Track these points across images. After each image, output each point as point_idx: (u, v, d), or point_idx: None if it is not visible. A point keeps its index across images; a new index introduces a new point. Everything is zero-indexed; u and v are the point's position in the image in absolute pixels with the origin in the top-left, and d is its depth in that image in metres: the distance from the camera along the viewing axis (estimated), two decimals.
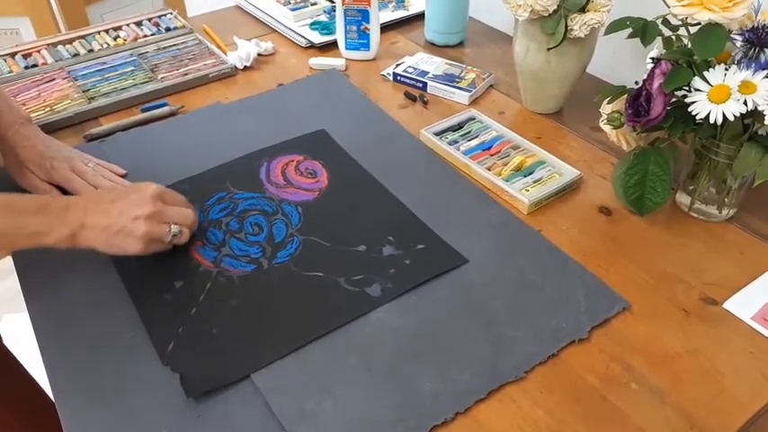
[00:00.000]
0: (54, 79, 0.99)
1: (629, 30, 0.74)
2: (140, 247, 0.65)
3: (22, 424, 0.89)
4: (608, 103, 0.77)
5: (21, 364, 0.95)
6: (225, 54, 1.07)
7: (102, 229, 0.64)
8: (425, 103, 0.98)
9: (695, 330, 0.63)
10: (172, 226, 0.67)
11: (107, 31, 1.12)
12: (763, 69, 0.63)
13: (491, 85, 1.02)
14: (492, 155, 0.85)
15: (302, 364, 0.59)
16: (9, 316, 1.72)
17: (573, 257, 0.71)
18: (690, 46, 0.68)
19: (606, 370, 0.59)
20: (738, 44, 0.67)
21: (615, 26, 0.75)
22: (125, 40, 1.09)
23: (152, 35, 1.11)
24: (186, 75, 1.01)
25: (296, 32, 1.14)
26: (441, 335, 0.62)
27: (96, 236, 0.64)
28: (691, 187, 0.76)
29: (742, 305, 0.65)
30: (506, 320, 0.63)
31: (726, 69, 0.65)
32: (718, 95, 0.64)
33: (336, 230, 0.73)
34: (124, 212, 0.64)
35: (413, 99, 0.99)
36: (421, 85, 1.00)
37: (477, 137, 0.88)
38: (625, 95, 0.73)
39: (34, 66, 1.02)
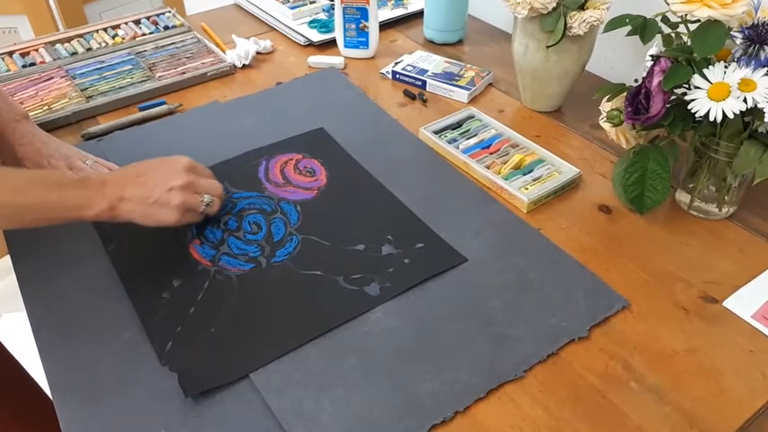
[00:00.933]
0: (52, 78, 0.99)
1: (629, 27, 0.74)
2: (176, 216, 0.67)
3: (19, 423, 0.89)
4: (607, 100, 0.77)
5: (17, 362, 0.95)
6: (223, 52, 1.06)
7: (140, 201, 0.65)
8: (424, 101, 0.98)
9: (695, 329, 0.63)
10: (204, 196, 0.69)
11: (105, 30, 1.11)
12: (763, 67, 0.63)
13: (490, 84, 1.02)
14: (491, 153, 0.85)
15: (301, 364, 0.59)
16: (8, 315, 1.72)
17: (572, 256, 0.70)
18: (689, 43, 0.67)
19: (606, 369, 0.59)
20: (738, 41, 0.67)
21: (614, 23, 0.75)
22: (123, 38, 1.09)
23: (150, 34, 1.11)
24: (184, 73, 1.01)
25: (295, 31, 1.14)
26: (439, 334, 0.62)
27: (133, 207, 0.65)
28: (690, 185, 0.76)
29: (742, 303, 0.65)
30: (505, 319, 0.63)
31: (725, 67, 0.65)
32: (718, 93, 0.64)
33: (335, 229, 0.73)
34: (159, 184, 0.66)
35: (412, 97, 0.98)
36: (420, 83, 1.00)
37: (476, 135, 0.88)
38: (624, 93, 0.73)
39: (32, 64, 1.02)
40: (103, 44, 1.07)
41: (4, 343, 0.94)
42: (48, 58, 1.03)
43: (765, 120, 0.62)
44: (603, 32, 0.78)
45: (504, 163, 0.82)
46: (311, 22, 1.17)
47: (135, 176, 0.67)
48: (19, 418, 0.88)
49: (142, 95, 0.96)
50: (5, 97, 0.79)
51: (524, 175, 0.81)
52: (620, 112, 0.74)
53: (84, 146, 0.85)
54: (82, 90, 0.96)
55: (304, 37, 1.12)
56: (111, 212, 0.65)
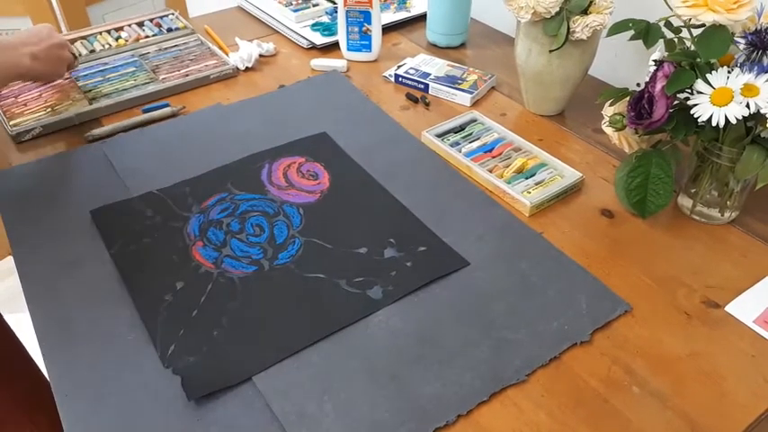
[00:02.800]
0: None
1: (632, 32, 0.74)
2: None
3: (23, 410, 0.88)
4: (610, 105, 0.77)
5: (24, 349, 0.95)
6: (226, 55, 1.07)
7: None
8: (427, 104, 0.98)
9: (697, 333, 0.63)
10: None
11: (109, 32, 1.12)
12: (766, 72, 0.63)
13: (493, 87, 1.02)
14: (494, 157, 0.85)
15: (303, 367, 0.59)
16: (10, 316, 1.72)
17: (574, 260, 0.70)
18: (692, 48, 0.68)
19: (608, 373, 0.59)
20: (741, 47, 0.67)
21: (617, 28, 0.75)
22: (126, 40, 1.09)
23: (153, 36, 1.11)
24: (187, 76, 1.01)
25: (297, 33, 1.14)
26: (442, 337, 0.62)
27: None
28: (693, 190, 0.76)
29: (744, 308, 0.65)
30: (508, 323, 0.63)
31: (728, 72, 0.65)
32: (721, 98, 0.64)
33: (338, 232, 0.73)
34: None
35: (414, 101, 0.99)
36: (423, 86, 1.00)
37: (478, 139, 0.88)
38: (627, 98, 0.73)
39: None
40: (107, 46, 1.07)
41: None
42: None
43: None
44: (606, 37, 0.78)
45: (507, 167, 0.83)
46: (314, 25, 1.17)
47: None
48: (23, 404, 0.88)
49: (145, 97, 0.96)
50: None
51: (527, 178, 0.81)
52: (623, 116, 0.74)
53: (88, 148, 0.86)
54: (85, 92, 0.96)
55: (307, 40, 1.12)
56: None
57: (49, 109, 0.92)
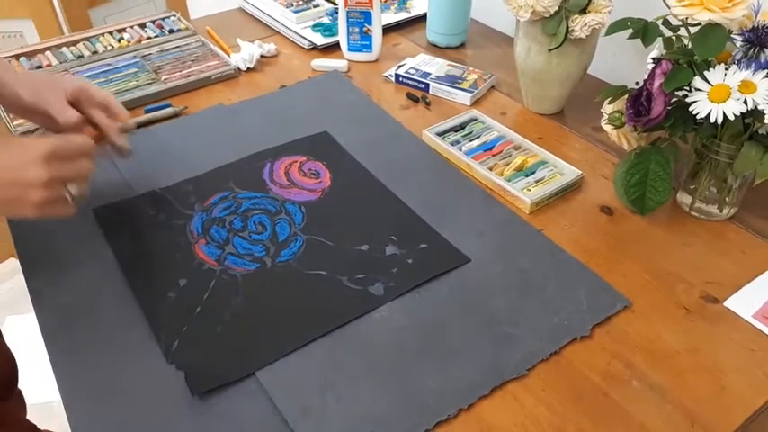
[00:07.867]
0: None
1: (630, 30, 0.74)
2: (37, 214, 0.60)
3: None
4: (609, 103, 0.77)
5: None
6: (228, 56, 1.07)
7: None
8: (428, 104, 0.98)
9: (696, 328, 0.64)
10: (71, 188, 0.61)
11: (111, 33, 1.12)
12: (763, 69, 0.64)
13: (492, 86, 1.03)
14: (494, 155, 0.85)
15: (306, 362, 0.60)
16: (12, 317, 1.72)
17: (574, 256, 0.71)
18: (690, 46, 0.68)
19: (608, 367, 0.60)
20: (738, 44, 0.68)
21: (616, 27, 0.75)
22: (129, 42, 1.10)
23: (155, 37, 1.12)
24: (189, 76, 1.01)
25: (298, 34, 1.15)
26: (443, 333, 0.63)
27: None
28: (691, 187, 0.76)
29: (743, 303, 0.66)
30: (508, 318, 0.64)
31: (726, 69, 0.65)
32: (719, 95, 0.64)
33: (339, 230, 0.74)
34: (12, 175, 0.57)
35: (415, 100, 0.99)
36: (423, 86, 1.01)
37: (478, 137, 0.89)
38: (626, 95, 0.73)
39: (39, 67, 1.03)
40: (109, 47, 1.08)
41: (8, 344, 0.95)
42: (54, 62, 1.04)
43: (765, 121, 0.63)
44: (605, 36, 0.78)
45: (507, 165, 0.83)
46: (315, 25, 1.18)
47: None
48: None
49: (148, 98, 0.97)
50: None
51: (527, 176, 0.81)
52: (622, 114, 0.75)
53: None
54: None
55: (308, 40, 1.13)
56: None
57: None
